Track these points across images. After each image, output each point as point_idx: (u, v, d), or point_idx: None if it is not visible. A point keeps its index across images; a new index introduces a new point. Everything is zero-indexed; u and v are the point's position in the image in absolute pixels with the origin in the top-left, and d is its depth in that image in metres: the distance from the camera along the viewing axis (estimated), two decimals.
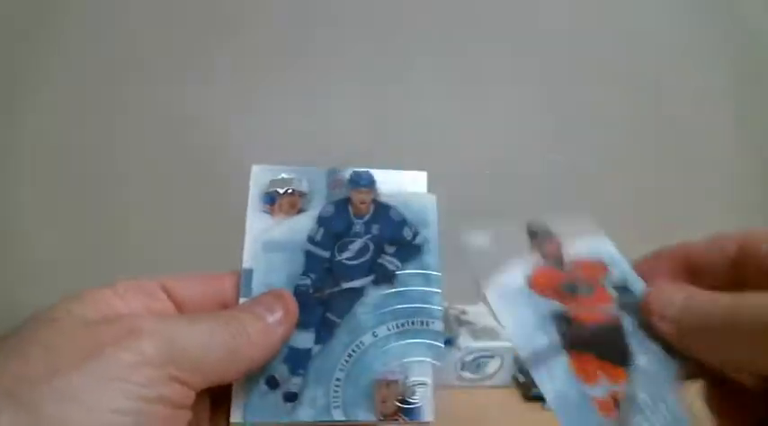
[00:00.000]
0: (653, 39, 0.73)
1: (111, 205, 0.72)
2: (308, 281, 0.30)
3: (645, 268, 0.31)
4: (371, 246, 0.31)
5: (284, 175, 0.33)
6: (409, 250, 0.31)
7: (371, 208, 0.32)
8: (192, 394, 0.25)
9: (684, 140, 0.76)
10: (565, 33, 0.71)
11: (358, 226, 0.31)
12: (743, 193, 0.78)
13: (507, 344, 0.72)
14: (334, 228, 0.31)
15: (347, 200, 0.32)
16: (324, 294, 0.30)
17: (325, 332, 0.30)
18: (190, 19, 0.67)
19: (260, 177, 0.33)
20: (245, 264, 0.31)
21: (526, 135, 0.75)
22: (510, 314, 0.29)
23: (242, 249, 0.31)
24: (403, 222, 0.31)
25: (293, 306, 0.29)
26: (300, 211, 0.32)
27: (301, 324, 0.29)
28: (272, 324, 0.28)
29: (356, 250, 0.31)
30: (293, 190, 0.33)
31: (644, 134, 0.76)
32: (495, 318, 0.29)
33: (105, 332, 0.23)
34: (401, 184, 0.32)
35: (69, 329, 0.24)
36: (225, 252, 0.32)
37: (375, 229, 0.31)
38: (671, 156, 0.77)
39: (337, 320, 0.30)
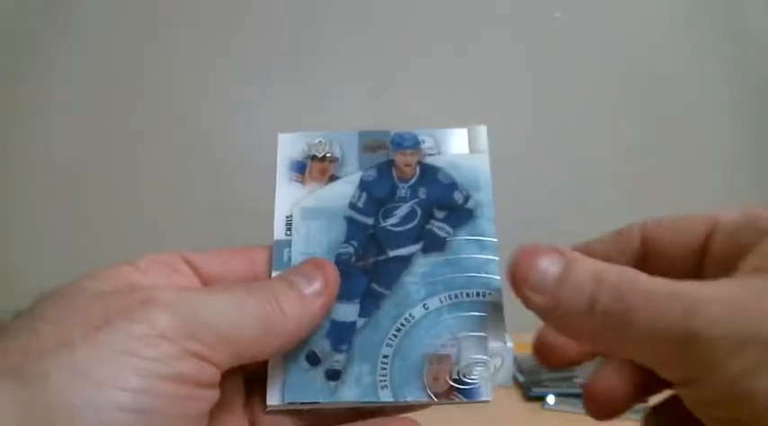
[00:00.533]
0: (652, 37, 0.74)
1: (110, 205, 0.69)
2: (351, 249, 0.28)
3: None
4: (419, 211, 0.28)
5: (318, 139, 0.30)
6: (460, 214, 0.28)
7: (417, 170, 0.29)
8: (218, 373, 0.22)
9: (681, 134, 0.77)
10: (565, 29, 0.72)
11: (403, 191, 0.29)
12: (737, 181, 0.79)
13: (507, 344, 0.70)
14: (378, 193, 0.29)
15: (390, 163, 0.29)
16: (368, 263, 0.28)
17: (370, 303, 0.27)
18: (190, 18, 0.65)
19: (287, 145, 0.31)
20: (277, 236, 0.28)
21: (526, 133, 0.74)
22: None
23: (272, 221, 0.29)
24: (453, 185, 0.29)
25: (334, 275, 0.26)
26: (332, 177, 0.30)
27: (344, 295, 0.27)
28: (309, 295, 0.25)
29: (402, 215, 0.28)
30: (324, 156, 0.30)
31: (638, 123, 0.77)
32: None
33: (117, 304, 0.21)
34: (450, 144, 0.30)
35: (81, 302, 0.21)
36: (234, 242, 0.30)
37: (422, 193, 0.29)
38: (663, 141, 0.78)
39: (384, 291, 0.27)
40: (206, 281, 0.26)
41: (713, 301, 0.19)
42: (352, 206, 0.29)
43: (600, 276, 0.21)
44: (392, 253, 0.28)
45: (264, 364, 0.26)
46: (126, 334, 0.20)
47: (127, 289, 0.22)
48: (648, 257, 0.25)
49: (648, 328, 0.20)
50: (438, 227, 0.28)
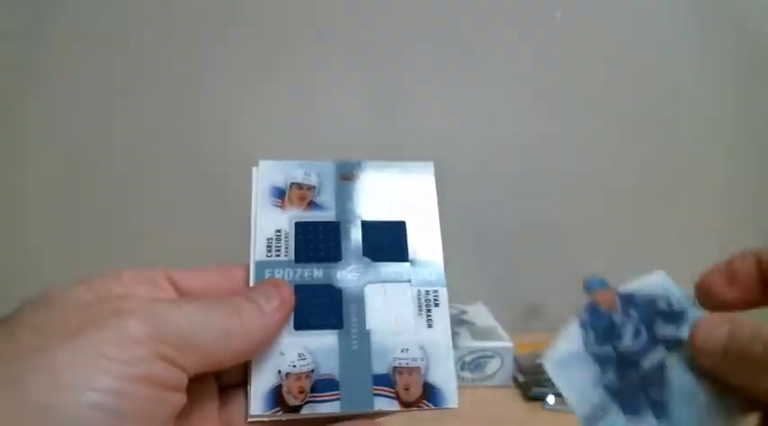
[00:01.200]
0: (651, 35, 0.74)
1: (108, 205, 0.71)
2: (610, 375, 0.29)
3: (706, 281, 0.29)
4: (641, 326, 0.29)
5: (297, 168, 0.33)
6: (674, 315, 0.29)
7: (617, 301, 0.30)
8: (185, 377, 0.24)
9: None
10: (565, 29, 0.72)
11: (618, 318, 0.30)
12: (739, 182, 0.79)
13: (507, 344, 0.72)
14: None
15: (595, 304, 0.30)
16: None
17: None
18: (190, 16, 0.67)
19: (266, 172, 0.33)
20: (259, 257, 0.31)
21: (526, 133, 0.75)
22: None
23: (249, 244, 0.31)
24: (653, 300, 0.30)
25: (289, 294, 0.29)
26: (310, 204, 0.32)
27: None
28: (268, 311, 0.27)
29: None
30: (302, 184, 0.33)
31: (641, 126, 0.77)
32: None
33: (92, 313, 0.23)
34: None
35: (60, 310, 0.23)
36: (224, 250, 0.32)
37: (633, 313, 0.30)
38: (666, 156, 0.78)
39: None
40: (185, 297, 0.29)
41: None
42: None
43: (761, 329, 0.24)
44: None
45: (240, 375, 0.29)
46: (98, 340, 0.22)
47: (105, 299, 0.24)
48: None
49: None
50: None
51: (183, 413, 0.26)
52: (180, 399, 0.24)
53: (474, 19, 0.70)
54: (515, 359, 0.73)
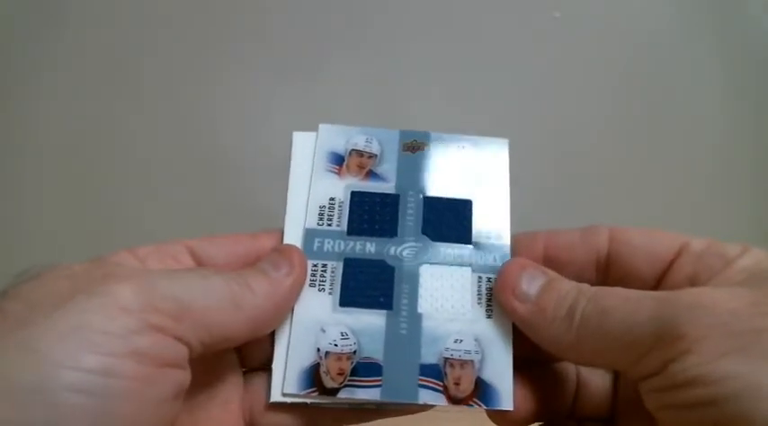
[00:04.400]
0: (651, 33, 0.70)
1: (114, 203, 0.71)
2: None
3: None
4: None
5: (359, 134, 0.31)
6: None
7: None
8: (184, 350, 0.21)
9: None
10: (565, 29, 0.70)
11: None
12: (736, 180, 0.74)
13: None
14: None
15: None
16: None
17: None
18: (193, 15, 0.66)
19: (325, 136, 0.31)
20: (309, 224, 0.28)
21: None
22: None
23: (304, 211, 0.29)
24: None
25: (300, 258, 0.26)
26: (369, 173, 0.30)
27: None
28: (277, 277, 0.25)
29: None
30: (363, 151, 0.30)
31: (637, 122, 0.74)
32: None
33: (81, 281, 0.20)
34: None
35: (51, 281, 0.20)
36: None
37: None
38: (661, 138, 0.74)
39: None
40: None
41: (686, 294, 0.21)
42: None
43: (581, 288, 0.24)
44: None
45: (268, 358, 0.26)
46: (83, 309, 0.19)
47: (97, 266, 0.22)
48: (611, 267, 0.26)
49: (623, 322, 0.21)
50: None
51: (202, 396, 0.24)
52: (181, 377, 0.21)
53: (473, 17, 0.69)
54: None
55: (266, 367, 0.26)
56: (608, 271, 0.26)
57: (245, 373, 0.27)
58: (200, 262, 0.26)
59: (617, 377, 0.28)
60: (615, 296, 0.22)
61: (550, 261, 0.27)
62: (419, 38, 0.69)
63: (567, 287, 0.24)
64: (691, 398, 0.19)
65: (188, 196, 0.70)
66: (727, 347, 0.19)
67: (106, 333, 0.19)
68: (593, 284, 0.24)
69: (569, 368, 0.28)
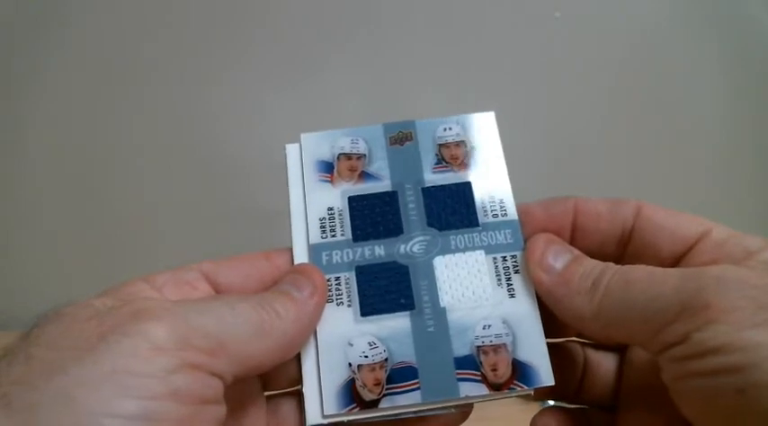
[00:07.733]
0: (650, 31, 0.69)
1: (114, 204, 0.70)
2: None
3: (533, 211, 0.28)
4: None
5: (343, 136, 0.30)
6: None
7: None
8: (220, 385, 0.21)
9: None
10: (565, 29, 0.68)
11: None
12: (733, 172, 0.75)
13: None
14: None
15: None
16: None
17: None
18: (193, 14, 0.65)
19: (310, 145, 0.30)
20: (313, 240, 0.28)
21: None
22: None
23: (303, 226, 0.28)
24: None
25: (320, 277, 0.26)
26: (362, 174, 0.29)
27: None
28: (301, 298, 0.24)
29: None
30: (350, 153, 0.29)
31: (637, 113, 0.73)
32: None
33: (110, 321, 0.19)
34: None
35: (77, 322, 0.20)
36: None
37: None
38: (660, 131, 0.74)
39: None
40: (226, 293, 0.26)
41: (712, 269, 0.21)
42: None
43: (607, 264, 0.24)
44: None
45: (286, 379, 0.26)
46: (117, 352, 0.18)
47: (123, 305, 0.21)
48: (632, 241, 0.26)
49: (647, 292, 0.22)
50: None
51: (229, 424, 0.23)
52: (218, 412, 0.21)
53: (473, 18, 0.68)
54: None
55: (288, 389, 0.26)
56: (627, 246, 0.26)
57: (267, 398, 0.27)
58: (216, 288, 0.26)
59: (622, 365, 0.28)
60: (641, 269, 0.23)
61: (576, 229, 0.27)
62: (419, 38, 0.68)
63: (593, 263, 0.25)
64: (715, 365, 0.19)
65: (188, 196, 0.69)
66: (758, 319, 0.19)
67: (144, 376, 0.18)
68: (611, 257, 0.25)
69: (577, 349, 0.29)
